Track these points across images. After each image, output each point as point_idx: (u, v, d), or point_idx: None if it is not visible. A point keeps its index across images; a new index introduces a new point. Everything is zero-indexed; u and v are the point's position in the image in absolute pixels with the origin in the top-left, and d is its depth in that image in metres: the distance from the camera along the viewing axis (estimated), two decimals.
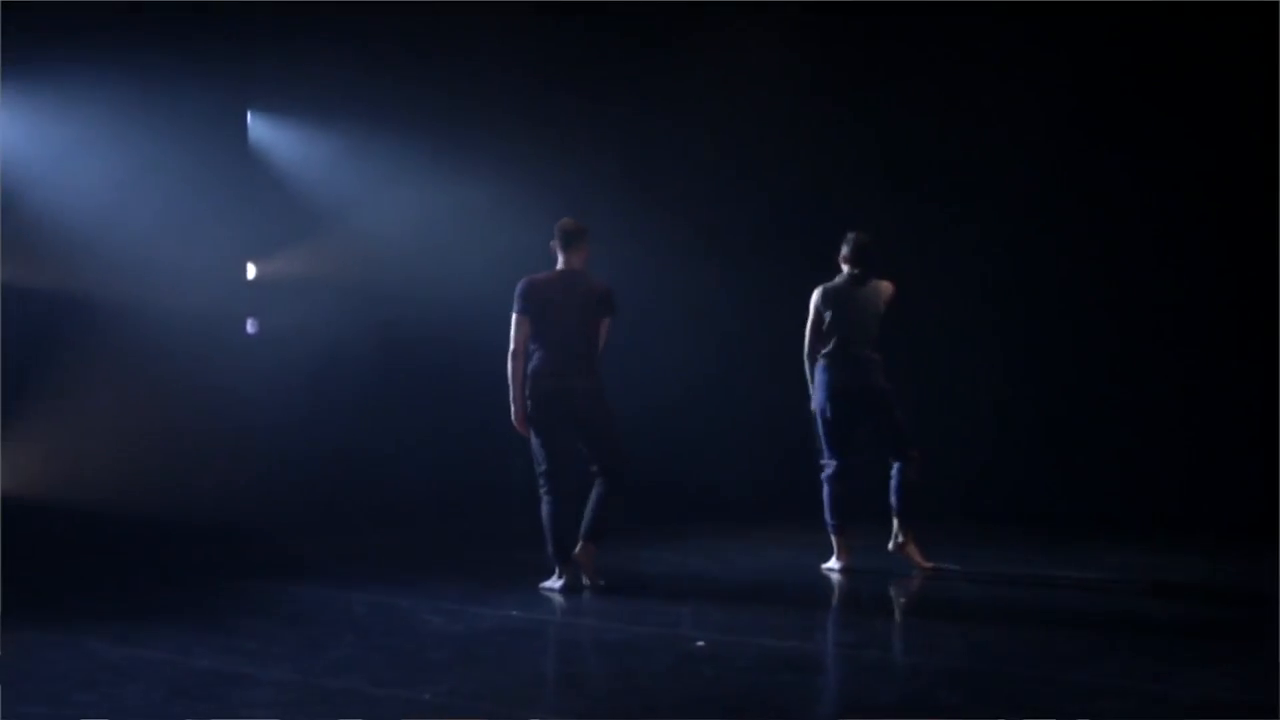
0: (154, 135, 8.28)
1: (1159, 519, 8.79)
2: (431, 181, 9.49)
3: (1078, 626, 5.92)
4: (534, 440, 6.65)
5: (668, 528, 8.78)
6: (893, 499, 7.21)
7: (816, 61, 9.89)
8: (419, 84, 9.43)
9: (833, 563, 7.25)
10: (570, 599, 6.53)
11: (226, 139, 8.99)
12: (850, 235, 7.29)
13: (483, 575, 7.18)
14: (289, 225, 9.35)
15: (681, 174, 10.11)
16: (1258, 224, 8.70)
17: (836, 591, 6.96)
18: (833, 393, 7.16)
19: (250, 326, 9.17)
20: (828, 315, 7.17)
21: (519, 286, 6.63)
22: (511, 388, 6.62)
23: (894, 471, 7.21)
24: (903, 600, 6.85)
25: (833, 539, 7.26)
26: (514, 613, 6.21)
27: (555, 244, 6.75)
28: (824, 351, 7.19)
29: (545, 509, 6.62)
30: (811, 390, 7.25)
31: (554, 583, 6.67)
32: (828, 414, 7.17)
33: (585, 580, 6.67)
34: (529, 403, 6.61)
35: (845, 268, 7.27)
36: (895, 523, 7.23)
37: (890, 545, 7.24)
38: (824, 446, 7.24)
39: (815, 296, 7.22)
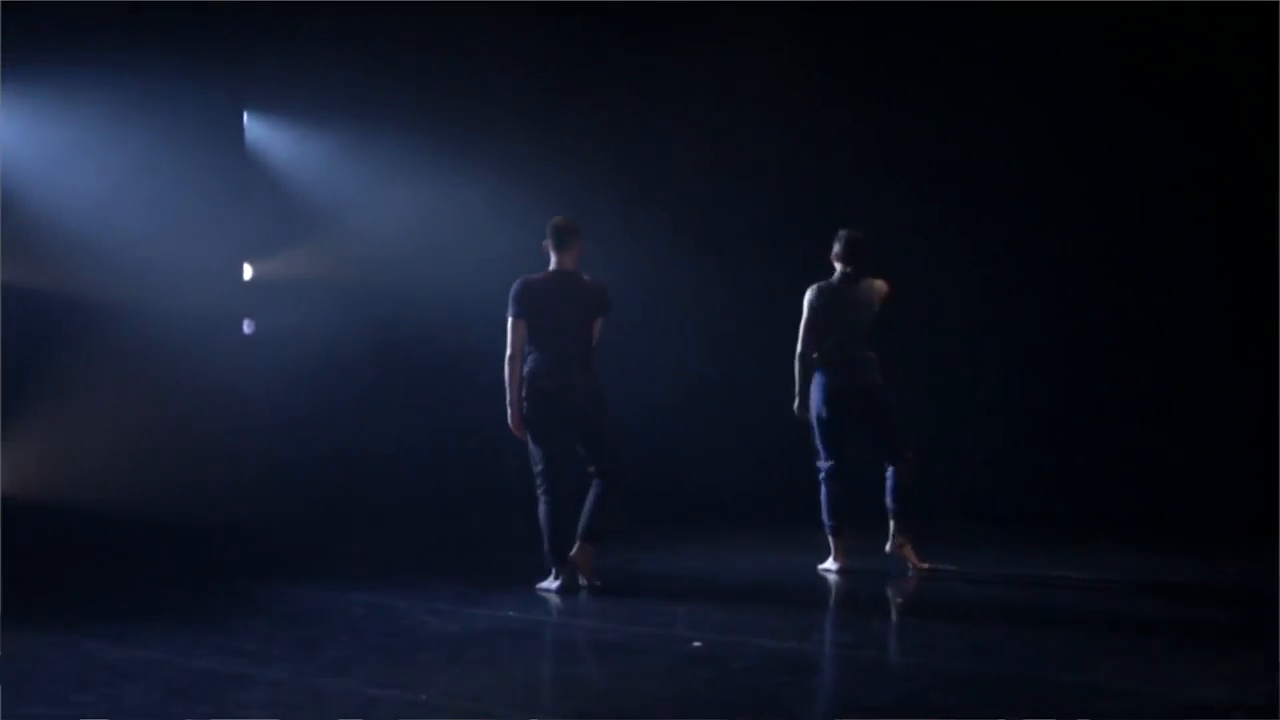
0: (151, 136, 8.29)
1: (1158, 519, 8.78)
2: (428, 182, 9.49)
3: (1076, 627, 5.91)
4: (531, 441, 6.64)
5: (665, 528, 8.77)
6: (888, 500, 7.20)
7: (815, 62, 9.88)
8: (416, 85, 9.44)
9: (830, 563, 7.24)
10: (567, 600, 6.53)
11: (223, 140, 9.00)
12: (842, 232, 7.28)
13: (479, 576, 7.18)
14: (286, 226, 9.37)
15: (679, 174, 10.10)
16: (1258, 224, 8.70)
17: (834, 592, 6.95)
18: (830, 393, 7.15)
19: (247, 327, 9.19)
20: (823, 315, 7.16)
21: (513, 289, 6.62)
22: (508, 391, 6.62)
23: (889, 473, 7.20)
24: (900, 601, 6.85)
25: (830, 540, 7.25)
26: (511, 613, 6.21)
27: (548, 243, 6.75)
28: (820, 352, 7.18)
29: (542, 509, 6.61)
30: (797, 392, 7.23)
31: (551, 583, 6.66)
32: (824, 414, 7.16)
33: (582, 581, 6.67)
34: (526, 403, 6.60)
35: (838, 265, 7.26)
36: (892, 524, 7.22)
37: (888, 546, 7.23)
38: (820, 447, 7.22)
39: (810, 295, 7.20)
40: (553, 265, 6.75)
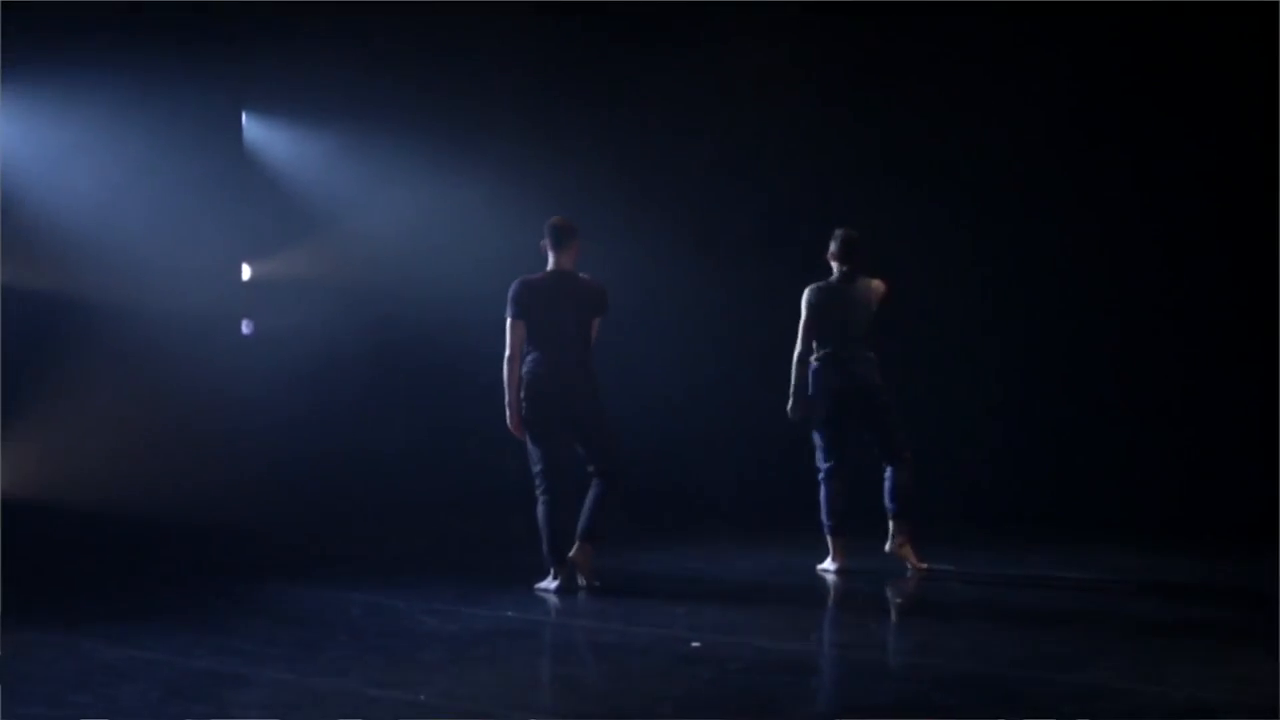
0: (150, 137, 8.30)
1: (1158, 519, 8.77)
2: (427, 182, 9.49)
3: (1075, 627, 5.90)
4: (529, 441, 6.64)
5: (664, 528, 8.76)
6: (887, 500, 7.19)
7: (815, 61, 9.87)
8: (415, 85, 9.44)
9: (828, 564, 7.24)
10: (565, 600, 6.52)
11: (222, 140, 9.01)
12: (838, 232, 7.27)
13: (478, 576, 7.18)
14: (284, 226, 9.36)
15: (678, 174, 10.10)
16: (1258, 224, 8.69)
17: (832, 592, 6.94)
18: (829, 394, 7.14)
19: (246, 327, 9.19)
20: (822, 314, 7.15)
21: (512, 289, 6.62)
22: (507, 392, 6.62)
23: (888, 474, 7.20)
24: (899, 601, 6.84)
25: (828, 540, 7.24)
26: (509, 614, 6.20)
27: (546, 243, 6.74)
28: (818, 352, 7.17)
29: (541, 510, 6.61)
30: (791, 393, 7.22)
31: (549, 584, 6.66)
32: (824, 415, 7.15)
33: (581, 581, 6.66)
34: (525, 404, 6.60)
35: (834, 265, 7.26)
36: (891, 524, 7.21)
37: (887, 546, 7.22)
38: (820, 448, 7.22)
39: (808, 296, 7.19)
40: (551, 265, 6.74)
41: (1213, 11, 8.63)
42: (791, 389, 7.22)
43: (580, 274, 6.78)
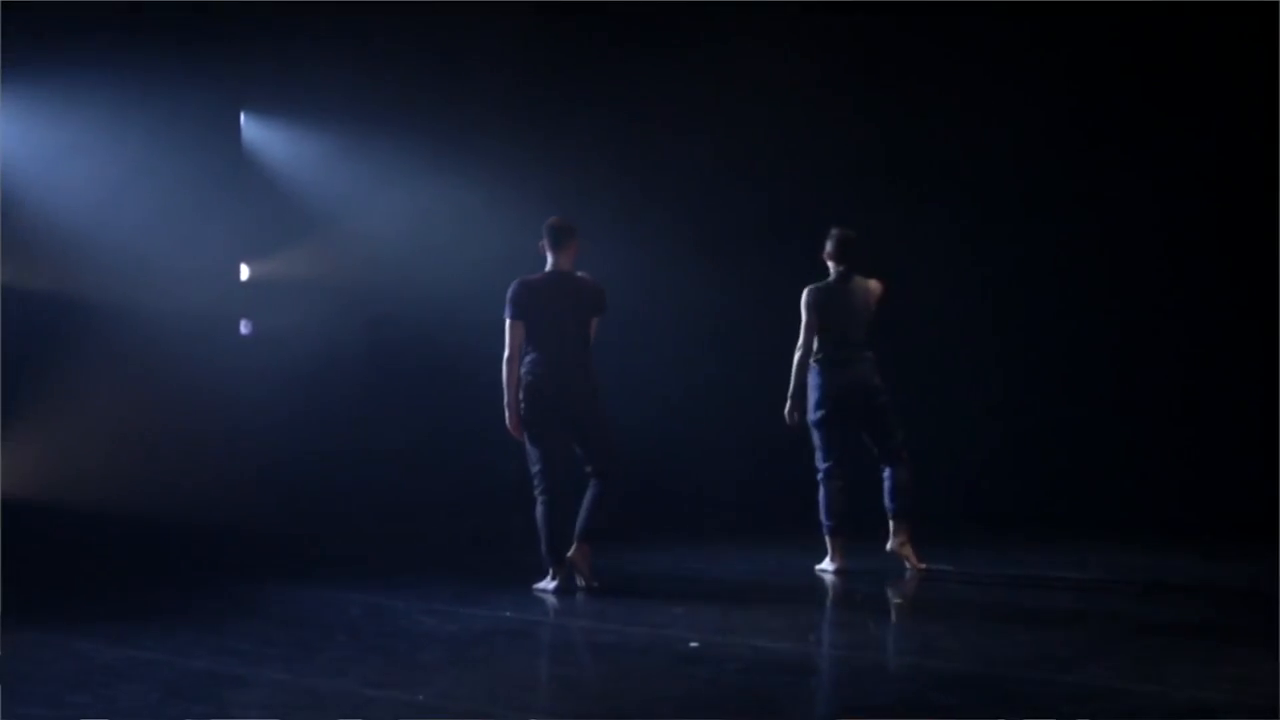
0: (149, 137, 8.30)
1: (1158, 519, 8.76)
2: (426, 182, 9.49)
3: (1074, 627, 5.90)
4: (528, 441, 6.63)
5: (662, 529, 8.75)
6: (887, 500, 7.19)
7: (816, 61, 9.85)
8: (414, 85, 9.43)
9: (827, 564, 7.23)
10: (564, 600, 6.52)
11: (221, 140, 9.00)
12: (834, 231, 7.28)
13: (477, 576, 7.18)
14: (283, 226, 9.36)
15: (677, 175, 10.09)
16: (1258, 224, 8.68)
17: (831, 593, 6.93)
18: (828, 394, 7.13)
19: (244, 327, 9.18)
20: (822, 315, 7.14)
21: (511, 290, 6.62)
22: (506, 392, 6.62)
23: (886, 474, 7.19)
24: (898, 601, 6.83)
25: (827, 540, 7.23)
26: (507, 614, 6.19)
27: (544, 243, 6.74)
28: (817, 353, 7.16)
29: (539, 510, 6.61)
30: (790, 395, 7.20)
31: (547, 584, 6.65)
32: (823, 414, 7.14)
33: (580, 581, 6.66)
34: (523, 404, 6.60)
35: (830, 265, 7.26)
36: (891, 524, 7.20)
37: (889, 545, 7.22)
38: (819, 448, 7.21)
39: (807, 296, 7.18)
40: (549, 266, 6.74)
41: (1213, 12, 8.63)
42: (790, 391, 7.20)
43: (579, 274, 6.78)
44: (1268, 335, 8.45)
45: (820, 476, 7.20)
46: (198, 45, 8.57)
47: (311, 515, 8.92)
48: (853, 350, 7.16)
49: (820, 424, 7.17)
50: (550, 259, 6.74)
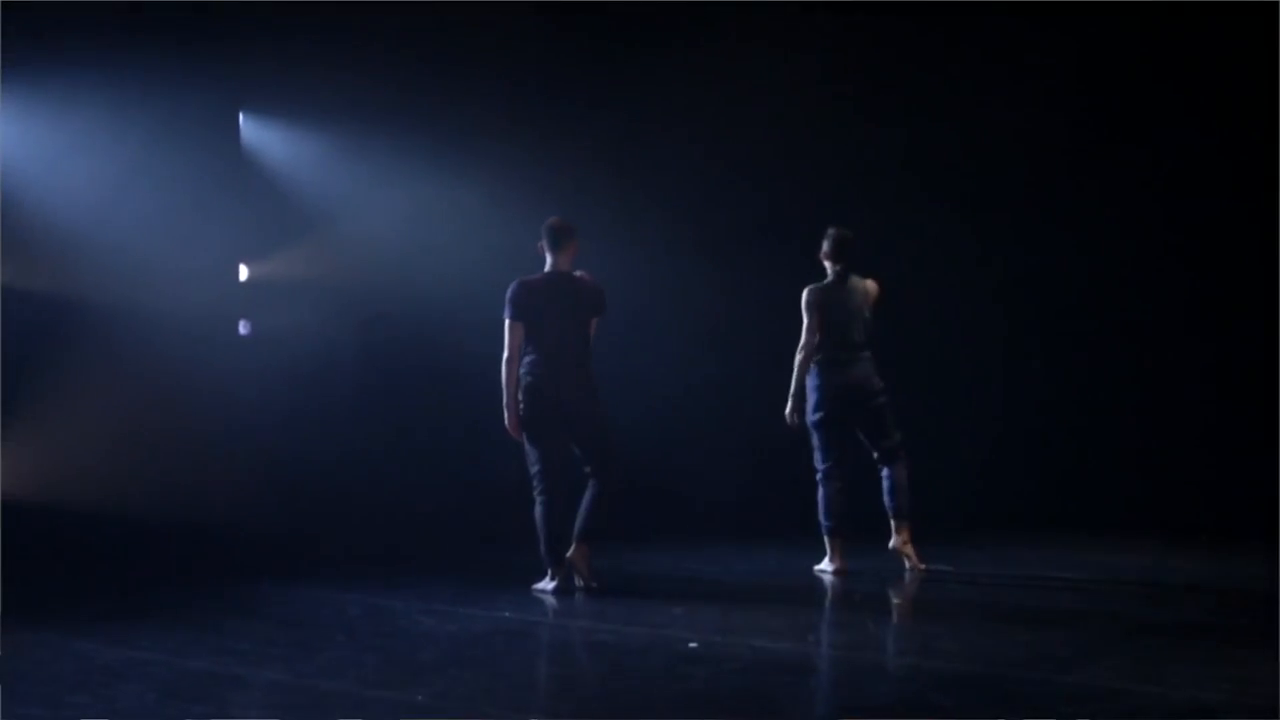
0: (147, 137, 8.28)
1: (1159, 519, 8.76)
2: (425, 182, 9.47)
3: (1074, 628, 5.89)
4: (527, 442, 6.63)
5: (661, 529, 8.75)
6: (887, 500, 7.19)
7: (816, 61, 9.84)
8: (413, 86, 9.41)
9: (826, 564, 7.23)
10: (562, 600, 6.52)
11: (220, 140, 8.98)
12: (831, 231, 7.28)
13: (476, 576, 7.17)
14: (282, 227, 9.34)
15: (677, 175, 10.08)
16: (1258, 224, 8.68)
17: (830, 593, 6.93)
18: (828, 395, 7.12)
19: (243, 328, 9.17)
20: (823, 314, 7.13)
21: (510, 290, 6.61)
22: (505, 393, 6.61)
23: (886, 473, 7.19)
24: (897, 602, 6.83)
25: (826, 541, 7.23)
26: (506, 614, 6.19)
27: (543, 244, 6.74)
28: (818, 354, 7.15)
29: (538, 510, 6.60)
30: (791, 396, 7.19)
31: (546, 584, 6.65)
32: (823, 415, 7.14)
33: (579, 581, 6.65)
34: (523, 405, 6.59)
35: (828, 264, 7.26)
36: (893, 523, 7.20)
37: (891, 544, 7.21)
38: (818, 448, 7.20)
39: (809, 296, 7.17)
40: (548, 266, 6.74)
41: (1213, 11, 8.63)
42: (792, 391, 7.20)
43: (578, 274, 6.78)
44: (1268, 335, 8.45)
45: (819, 477, 7.20)
46: (198, 45, 8.56)
47: (311, 515, 8.90)
48: (853, 351, 7.15)
49: (820, 425, 7.16)
50: (549, 259, 6.73)
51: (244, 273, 9.21)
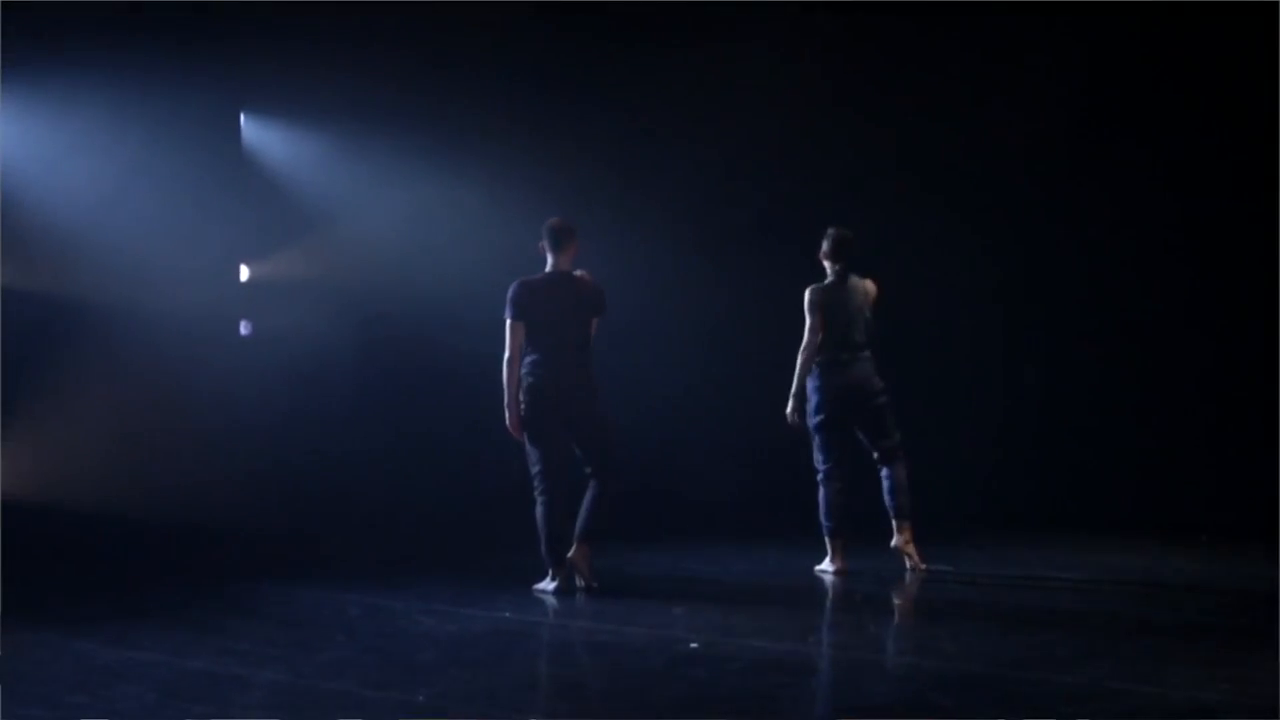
0: (148, 137, 8.29)
1: (1159, 519, 8.76)
2: (425, 183, 9.48)
3: (1073, 628, 5.89)
4: (528, 442, 6.63)
5: (661, 529, 8.75)
6: (888, 500, 7.19)
7: (816, 61, 9.85)
8: (413, 86, 9.41)
9: (826, 565, 7.22)
10: (563, 600, 6.51)
11: (220, 141, 8.99)
12: (830, 231, 7.28)
13: (476, 577, 7.17)
14: (282, 227, 9.35)
15: (677, 175, 10.08)
16: (1258, 224, 8.68)
17: (830, 593, 6.93)
18: (829, 396, 7.12)
19: (244, 328, 9.17)
20: (824, 314, 7.13)
21: (511, 290, 6.61)
22: (506, 393, 6.61)
23: (886, 473, 7.19)
24: (897, 602, 6.83)
25: (827, 541, 7.22)
26: (507, 614, 6.19)
27: (544, 244, 6.74)
28: (820, 354, 7.15)
29: (539, 510, 6.60)
30: (792, 396, 7.18)
31: (547, 584, 6.65)
32: (823, 415, 7.14)
33: (580, 582, 6.65)
34: (523, 405, 6.59)
35: (827, 264, 7.26)
36: (894, 523, 7.20)
37: (893, 543, 7.22)
38: (819, 449, 7.20)
39: (811, 296, 7.17)
40: (549, 266, 6.74)
41: (1213, 11, 8.63)
42: (793, 391, 7.19)
43: (579, 274, 6.78)
44: (1268, 335, 8.45)
45: (820, 477, 7.19)
46: (198, 45, 8.56)
47: (311, 515, 8.91)
48: (854, 351, 7.15)
49: (821, 427, 7.16)
50: (550, 259, 6.74)
51: (244, 273, 9.22)
